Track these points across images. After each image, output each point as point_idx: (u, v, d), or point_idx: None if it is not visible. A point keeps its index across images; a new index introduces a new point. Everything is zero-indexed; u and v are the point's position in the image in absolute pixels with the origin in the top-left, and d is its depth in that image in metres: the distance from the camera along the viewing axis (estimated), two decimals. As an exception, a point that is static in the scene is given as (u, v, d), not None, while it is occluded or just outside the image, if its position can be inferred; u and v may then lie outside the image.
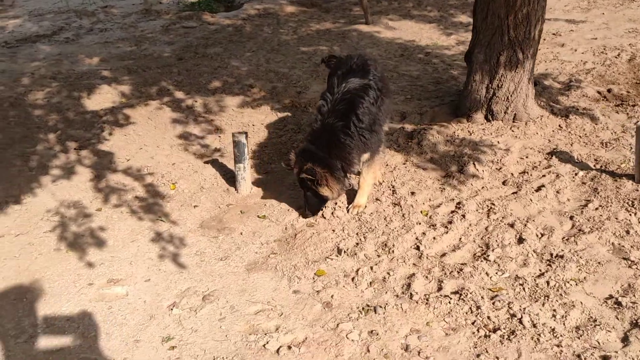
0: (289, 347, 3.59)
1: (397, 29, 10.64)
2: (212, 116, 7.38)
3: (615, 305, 3.74)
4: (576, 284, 3.95)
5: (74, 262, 4.66)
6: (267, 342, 3.63)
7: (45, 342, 3.81)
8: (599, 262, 4.13)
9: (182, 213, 5.34)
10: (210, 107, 7.56)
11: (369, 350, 3.52)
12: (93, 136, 6.89)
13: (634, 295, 3.79)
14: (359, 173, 5.14)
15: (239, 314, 3.94)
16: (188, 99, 7.80)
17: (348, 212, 5.00)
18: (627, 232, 4.42)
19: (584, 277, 4.00)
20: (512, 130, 6.14)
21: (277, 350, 3.58)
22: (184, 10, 13.19)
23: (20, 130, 6.99)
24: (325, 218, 5.02)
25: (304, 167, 4.73)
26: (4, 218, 5.29)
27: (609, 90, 7.04)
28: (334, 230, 4.82)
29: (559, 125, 6.23)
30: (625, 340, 3.45)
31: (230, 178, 5.92)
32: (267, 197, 5.45)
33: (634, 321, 3.58)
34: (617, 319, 3.63)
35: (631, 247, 4.25)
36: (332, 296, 4.03)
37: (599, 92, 7.02)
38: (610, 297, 3.83)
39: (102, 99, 8.00)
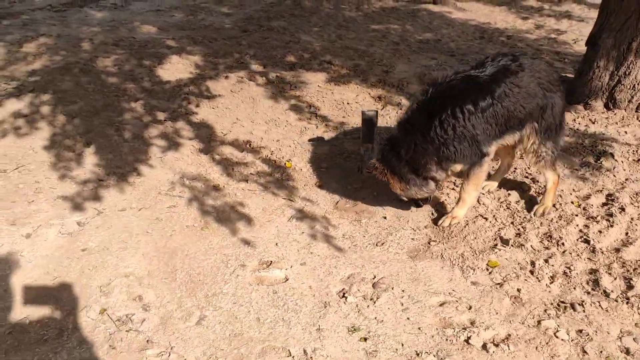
0: (496, 344, 3.31)
1: (467, 10, 10.31)
2: (299, 92, 7.05)
3: None
4: None
5: (215, 241, 4.35)
6: (469, 338, 3.36)
7: (220, 326, 3.50)
8: None
9: (309, 193, 5.04)
10: (294, 83, 7.22)
11: (585, 352, 3.26)
12: (179, 107, 6.55)
13: None
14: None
15: (421, 304, 3.66)
16: (268, 73, 7.46)
17: (438, 223, 4.61)
18: None
19: None
20: (639, 121, 5.87)
21: (484, 347, 3.30)
22: (232, -20, 12.71)
23: (99, 98, 6.64)
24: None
25: (371, 161, 4.53)
26: (120, 191, 4.97)
27: None
28: (486, 219, 4.54)
29: (685, 118, 5.97)
30: None
31: (347, 157, 5.62)
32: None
33: None
34: None
35: None
36: (518, 290, 3.75)
37: None
38: None
39: (175, 69, 7.65)
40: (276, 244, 4.33)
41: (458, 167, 4.44)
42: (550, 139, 4.42)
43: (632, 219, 4.47)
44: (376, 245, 4.31)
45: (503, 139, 4.35)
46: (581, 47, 8.35)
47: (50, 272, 3.97)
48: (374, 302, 3.70)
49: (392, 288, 3.82)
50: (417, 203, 4.72)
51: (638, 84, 5.94)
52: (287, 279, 3.95)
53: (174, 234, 4.43)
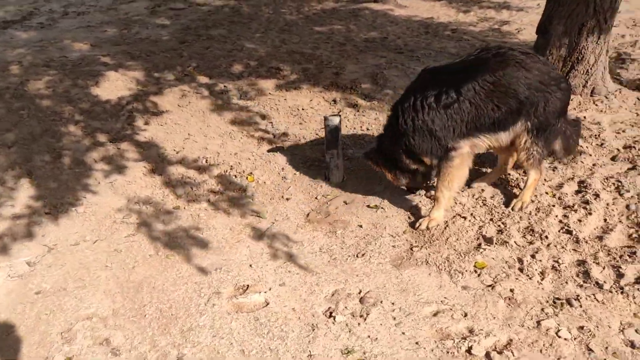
0: (499, 352, 3.14)
1: (408, 7, 10.26)
2: (250, 101, 6.77)
3: None
4: None
5: (183, 269, 4.02)
6: (471, 347, 3.17)
7: (203, 366, 3.18)
8: None
9: (277, 207, 4.77)
10: (244, 92, 6.93)
11: (591, 350, 3.14)
12: (123, 127, 6.16)
13: None
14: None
15: (415, 316, 3.46)
16: (215, 84, 7.14)
17: (415, 226, 4.42)
18: None
19: None
20: (596, 105, 5.90)
21: (488, 356, 3.13)
22: (164, -9, 12.29)
23: (36, 123, 6.18)
24: (447, 204, 4.58)
25: (367, 151, 4.71)
26: (69, 223, 4.57)
27: (663, 63, 6.90)
28: (465, 218, 4.40)
29: (638, 98, 6.04)
30: None
31: (311, 166, 5.39)
32: (365, 185, 4.95)
33: None
34: None
35: None
36: (511, 290, 3.60)
37: (655, 64, 6.88)
38: None
39: (114, 86, 7.23)
40: (250, 265, 4.04)
41: (427, 161, 4.35)
42: (542, 138, 4.28)
43: (607, 204, 4.41)
44: (356, 256, 4.08)
45: (478, 138, 4.21)
46: (525, 36, 8.41)
47: (2, 320, 3.54)
48: (365, 319, 3.46)
49: (381, 302, 3.60)
50: (411, 190, 4.73)
51: (591, 69, 5.95)
52: (268, 303, 3.66)
53: (136, 266, 4.07)
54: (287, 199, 4.86)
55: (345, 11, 10.14)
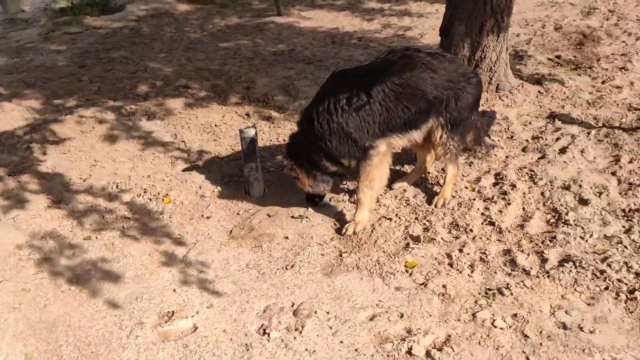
0: (439, 349, 3.11)
1: (313, 19, 10.32)
2: (159, 122, 6.53)
3: None
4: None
5: (100, 302, 3.75)
6: (411, 348, 3.13)
7: (131, 403, 2.93)
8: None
9: (197, 226, 4.56)
10: (152, 113, 6.68)
11: (526, 336, 3.16)
12: (22, 160, 5.75)
13: None
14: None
15: (351, 323, 3.37)
16: (121, 107, 6.84)
17: (342, 232, 4.33)
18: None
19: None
20: (502, 100, 6.11)
21: (428, 354, 3.09)
22: (56, 16, 11.74)
23: None
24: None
25: (277, 159, 4.58)
26: (-32, 265, 4.14)
27: (557, 57, 7.29)
28: (390, 219, 4.39)
29: (539, 91, 6.31)
30: None
31: (229, 182, 5.22)
32: (287, 196, 4.84)
33: None
34: None
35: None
36: (443, 286, 3.59)
37: (549, 59, 7.26)
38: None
39: (9, 117, 6.81)
40: (174, 290, 3.82)
41: (345, 162, 4.33)
42: (457, 133, 4.39)
43: (524, 193, 4.54)
44: (286, 269, 3.94)
45: (392, 137, 4.27)
46: (428, 40, 8.64)
47: None
48: (300, 332, 3.33)
49: (315, 312, 3.48)
50: (314, 201, 4.61)
51: (494, 65, 6.16)
52: (197, 328, 3.46)
53: (48, 304, 3.75)
54: (208, 218, 4.66)
55: (250, 26, 10.05)
